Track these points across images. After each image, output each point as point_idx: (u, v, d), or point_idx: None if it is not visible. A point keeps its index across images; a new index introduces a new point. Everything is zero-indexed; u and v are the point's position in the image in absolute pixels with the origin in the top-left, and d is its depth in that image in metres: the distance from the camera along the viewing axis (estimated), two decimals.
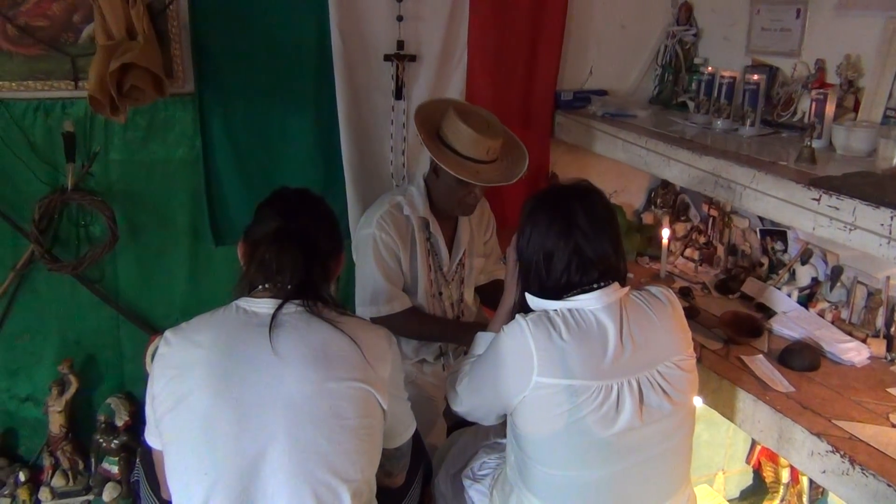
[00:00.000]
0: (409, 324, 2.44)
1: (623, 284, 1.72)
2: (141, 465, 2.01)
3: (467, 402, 1.86)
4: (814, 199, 1.91)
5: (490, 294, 2.74)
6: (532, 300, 1.73)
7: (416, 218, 2.44)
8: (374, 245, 2.37)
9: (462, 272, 2.60)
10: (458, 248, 2.56)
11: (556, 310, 1.68)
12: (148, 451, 1.84)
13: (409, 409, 1.78)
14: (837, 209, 1.84)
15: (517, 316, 1.69)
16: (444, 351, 2.59)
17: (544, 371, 1.60)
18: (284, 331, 1.55)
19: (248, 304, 1.62)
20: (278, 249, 1.64)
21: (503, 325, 1.73)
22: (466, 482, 2.07)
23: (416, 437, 1.98)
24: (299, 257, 1.64)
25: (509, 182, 2.37)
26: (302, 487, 1.49)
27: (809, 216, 1.93)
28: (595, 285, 1.68)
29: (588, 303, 1.66)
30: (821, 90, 2.38)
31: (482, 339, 1.96)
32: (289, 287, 1.63)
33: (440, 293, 2.54)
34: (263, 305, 1.60)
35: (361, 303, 2.43)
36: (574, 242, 1.68)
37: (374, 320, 2.32)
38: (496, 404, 1.76)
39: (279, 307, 1.58)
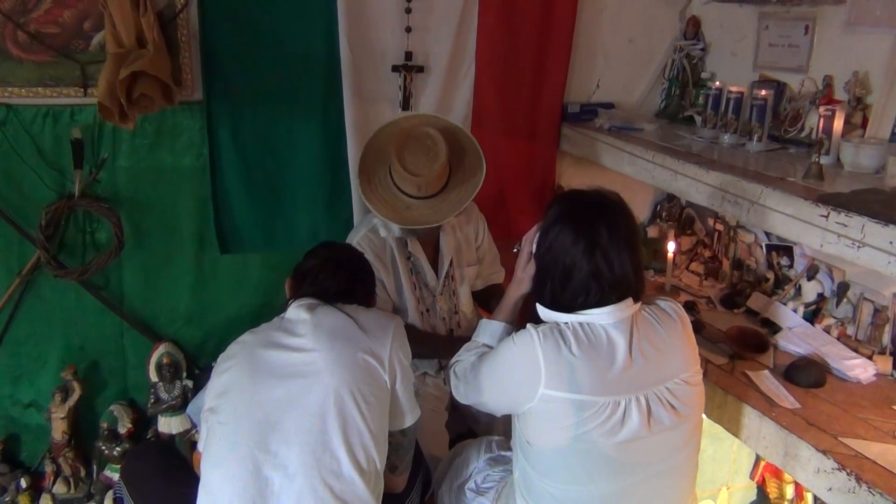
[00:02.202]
0: None
1: (637, 300, 1.71)
2: (123, 482, 2.04)
3: (472, 398, 1.86)
4: (822, 216, 1.90)
5: (486, 300, 2.73)
6: (543, 311, 1.73)
7: (393, 239, 2.43)
8: None
9: (452, 284, 2.58)
10: (444, 261, 2.54)
11: (566, 322, 1.67)
12: (131, 468, 2.08)
13: (413, 394, 1.89)
14: (846, 226, 1.84)
15: (528, 326, 1.68)
16: (445, 365, 2.57)
17: (552, 384, 1.60)
18: (302, 323, 1.78)
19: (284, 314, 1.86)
20: (332, 270, 1.90)
21: (509, 325, 1.72)
22: (470, 494, 2.06)
23: (416, 446, 2.03)
24: (346, 277, 1.91)
25: (438, 223, 2.35)
26: (313, 472, 1.62)
27: (817, 233, 1.92)
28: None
29: (600, 317, 1.65)
30: (829, 106, 2.37)
31: (486, 327, 1.97)
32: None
33: (427, 310, 2.53)
34: (291, 309, 1.83)
35: None
36: (595, 265, 1.65)
37: None
38: (501, 406, 1.77)
39: (297, 299, 1.83)
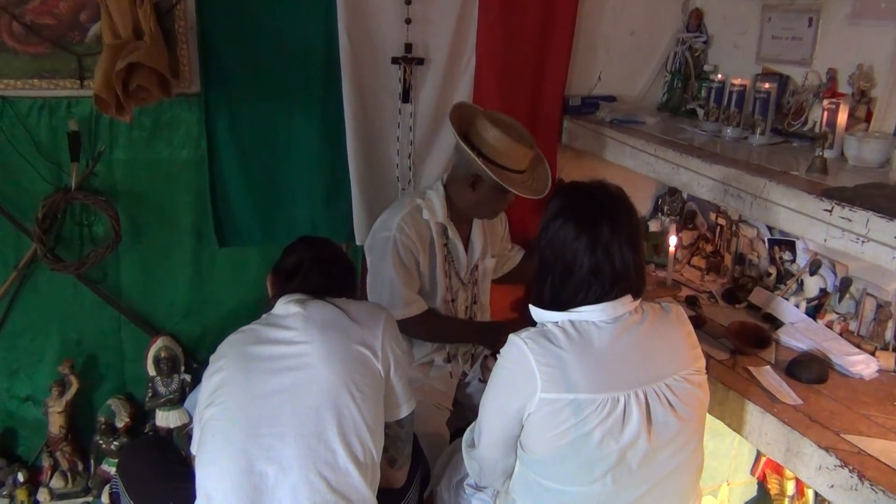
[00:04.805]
0: (427, 327, 2.46)
1: (636, 297, 1.68)
2: (120, 477, 2.03)
3: (483, 449, 1.79)
4: (826, 210, 1.88)
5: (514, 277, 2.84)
6: (536, 312, 1.70)
7: (435, 224, 2.44)
8: (393, 248, 2.36)
9: (476, 275, 2.61)
10: (474, 252, 2.58)
11: (556, 322, 1.65)
12: (127, 463, 2.07)
13: (408, 384, 1.88)
14: (850, 221, 1.82)
15: (510, 337, 1.66)
16: (454, 356, 2.59)
17: (548, 387, 1.57)
18: (292, 316, 1.76)
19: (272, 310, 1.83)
20: (322, 268, 1.88)
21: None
22: (469, 491, 2.05)
23: (415, 442, 2.03)
24: (335, 274, 1.90)
25: (544, 192, 2.45)
26: (308, 464, 1.61)
27: (821, 227, 1.90)
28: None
29: (593, 314, 1.63)
30: (833, 100, 2.36)
31: None
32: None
33: (454, 300, 2.55)
34: (280, 305, 1.80)
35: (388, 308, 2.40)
36: (596, 261, 1.63)
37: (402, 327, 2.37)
38: (507, 430, 1.70)
39: (284, 295, 1.81)
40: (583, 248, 1.63)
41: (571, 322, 1.64)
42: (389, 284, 2.38)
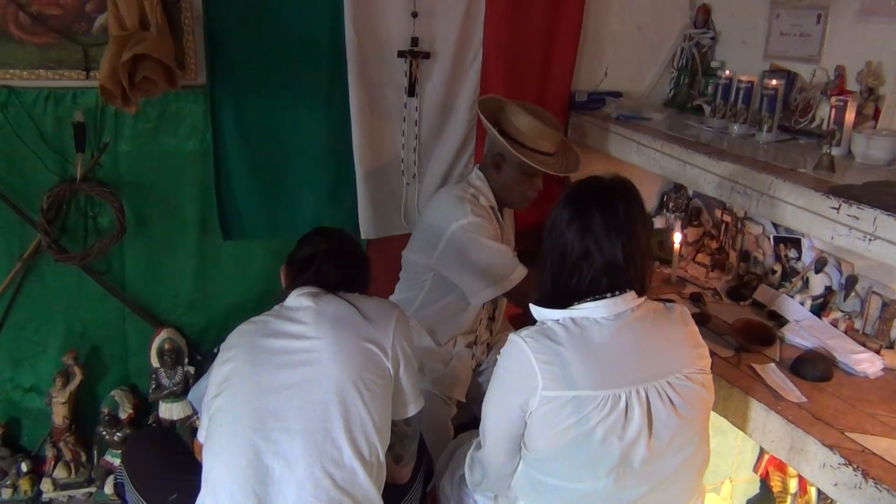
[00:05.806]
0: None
1: (640, 294, 1.68)
2: (124, 467, 2.03)
3: (489, 446, 1.78)
4: (833, 208, 1.88)
5: None
6: (536, 311, 1.70)
7: (490, 207, 2.47)
8: (481, 229, 2.37)
9: None
10: (510, 239, 2.60)
11: (556, 319, 1.65)
12: (132, 454, 2.06)
13: (417, 382, 1.87)
14: (857, 219, 1.81)
15: (510, 335, 1.66)
16: (477, 340, 2.62)
17: (549, 385, 1.57)
18: (304, 310, 1.75)
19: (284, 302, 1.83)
20: (335, 260, 1.86)
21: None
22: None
23: (419, 437, 2.03)
24: (349, 266, 1.89)
25: (575, 172, 2.48)
26: (314, 460, 1.60)
27: (828, 225, 1.90)
28: (609, 294, 1.64)
29: (594, 311, 1.63)
30: (840, 97, 2.34)
31: None
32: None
33: None
34: (292, 297, 1.80)
35: (487, 285, 2.39)
36: (585, 246, 1.64)
37: (512, 293, 2.43)
38: (510, 432, 1.70)
39: (296, 288, 1.80)
40: (573, 234, 1.66)
41: (572, 319, 1.63)
42: (493, 259, 2.37)
